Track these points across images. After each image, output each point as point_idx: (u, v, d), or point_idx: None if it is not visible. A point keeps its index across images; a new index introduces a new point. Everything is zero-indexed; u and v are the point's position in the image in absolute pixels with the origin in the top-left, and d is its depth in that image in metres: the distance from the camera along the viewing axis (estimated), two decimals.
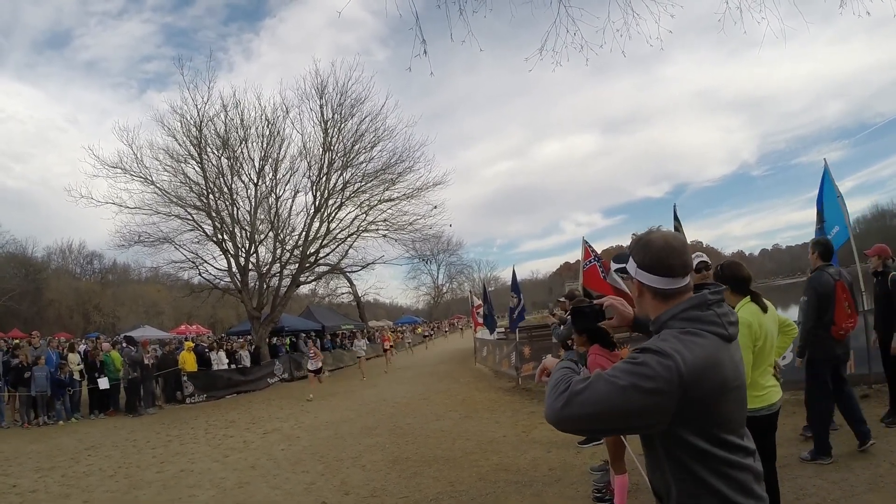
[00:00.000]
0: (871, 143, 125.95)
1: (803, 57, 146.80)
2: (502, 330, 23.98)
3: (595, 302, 2.29)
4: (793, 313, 10.69)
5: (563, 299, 11.89)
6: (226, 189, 23.52)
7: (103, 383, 14.86)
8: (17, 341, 18.01)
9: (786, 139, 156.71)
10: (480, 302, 24.05)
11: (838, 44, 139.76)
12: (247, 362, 20.43)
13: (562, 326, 8.64)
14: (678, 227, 9.78)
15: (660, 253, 1.78)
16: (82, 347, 18.87)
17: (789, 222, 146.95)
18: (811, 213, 8.68)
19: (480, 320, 22.91)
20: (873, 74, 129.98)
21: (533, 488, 5.96)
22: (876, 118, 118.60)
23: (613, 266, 2.47)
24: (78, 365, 15.03)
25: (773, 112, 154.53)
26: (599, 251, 12.93)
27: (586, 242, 13.00)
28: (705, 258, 5.62)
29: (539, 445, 7.79)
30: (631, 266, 1.87)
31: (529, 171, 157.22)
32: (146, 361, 16.00)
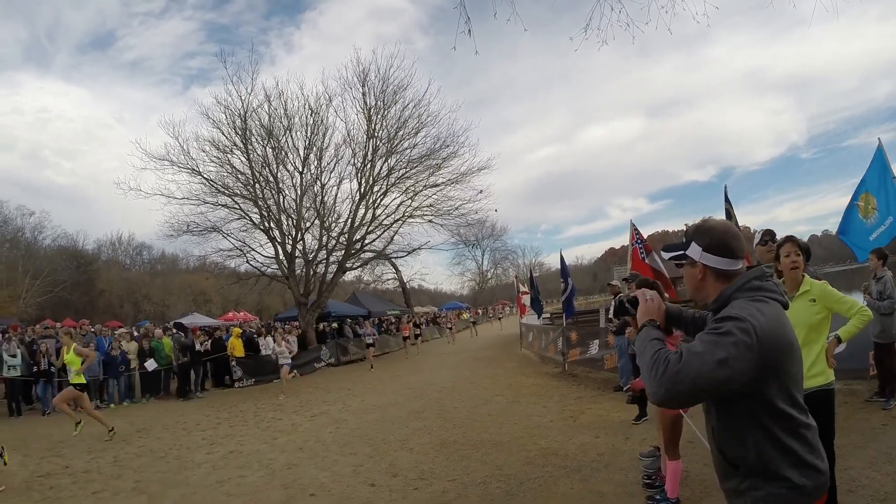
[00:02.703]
0: None
1: (852, 34, 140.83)
2: (548, 315, 23.84)
3: (635, 293, 2.36)
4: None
5: (614, 282, 11.72)
6: (271, 178, 23.76)
7: (150, 365, 15.29)
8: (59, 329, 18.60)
9: (835, 120, 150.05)
10: (526, 288, 23.95)
11: (888, 20, 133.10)
12: (294, 347, 20.74)
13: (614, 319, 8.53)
14: (730, 210, 9.45)
15: (724, 237, 2.01)
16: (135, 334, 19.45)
17: (840, 207, 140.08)
18: None
19: (526, 306, 22.82)
20: None
21: (581, 473, 5.84)
22: None
23: (666, 255, 2.40)
24: (134, 354, 15.50)
25: (822, 92, 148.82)
26: (646, 235, 12.71)
27: (633, 225, 12.78)
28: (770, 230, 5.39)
29: (587, 430, 7.66)
30: (695, 250, 2.05)
31: (573, 155, 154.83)
32: (198, 347, 16.40)
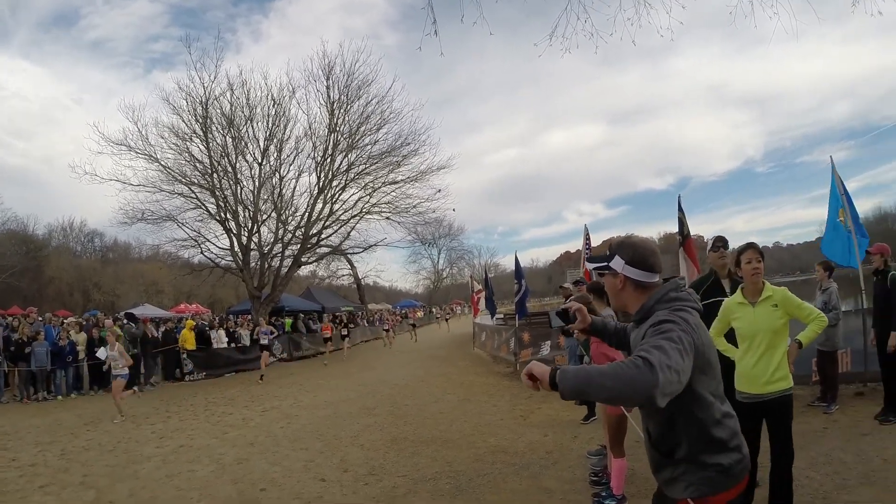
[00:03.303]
0: (877, 146, 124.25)
1: (813, 56, 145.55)
2: (501, 316, 24.09)
3: (565, 306, 2.70)
4: None
5: (567, 286, 11.95)
6: (230, 168, 23.52)
7: (102, 353, 14.89)
8: (13, 318, 18.07)
9: (792, 137, 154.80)
10: (481, 287, 24.14)
11: (849, 44, 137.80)
12: (246, 341, 20.51)
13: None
14: (682, 219, 9.71)
15: (644, 253, 2.23)
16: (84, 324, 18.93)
17: (792, 220, 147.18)
18: (814, 212, 8.83)
19: (480, 306, 23.02)
20: (883, 76, 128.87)
21: (530, 470, 6.00)
22: (884, 121, 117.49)
23: (590, 265, 2.53)
24: (83, 345, 15.09)
25: (781, 110, 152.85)
26: (601, 241, 13.03)
27: (587, 230, 13.06)
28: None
29: (536, 429, 7.84)
30: (618, 263, 2.26)
31: (534, 159, 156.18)
32: (150, 337, 16.07)
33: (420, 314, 50.05)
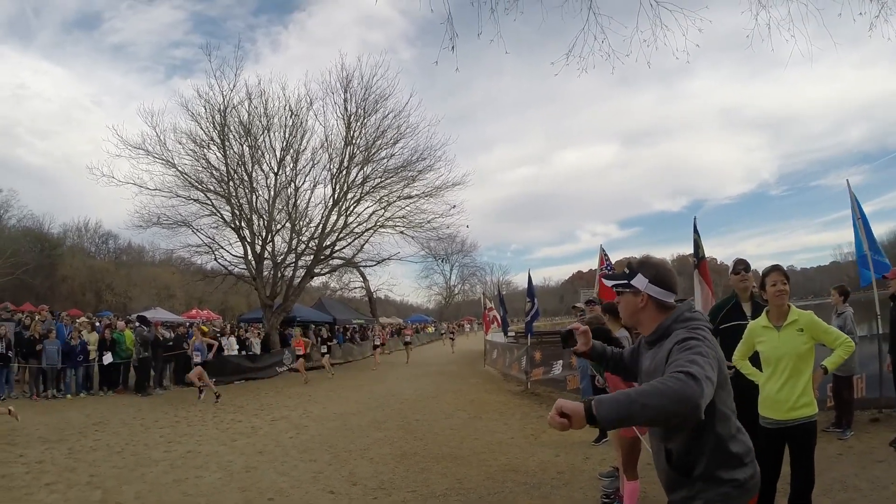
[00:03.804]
0: (891, 169, 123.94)
1: (829, 79, 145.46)
2: (513, 333, 24.03)
3: (571, 327, 2.70)
4: None
5: (579, 305, 11.88)
6: (246, 176, 23.57)
7: (107, 358, 14.99)
8: (25, 314, 18.23)
9: (806, 160, 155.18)
10: (492, 305, 24.09)
11: (865, 68, 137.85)
12: (257, 349, 20.52)
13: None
14: (697, 241, 9.65)
15: (666, 272, 2.29)
16: (96, 324, 19.05)
17: (805, 244, 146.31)
18: (827, 236, 8.83)
19: (492, 322, 22.97)
20: None
21: (541, 490, 5.91)
22: None
23: (608, 283, 2.49)
24: (94, 345, 15.17)
25: (795, 133, 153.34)
26: (614, 261, 12.91)
27: (603, 250, 12.99)
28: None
29: (547, 449, 7.75)
30: (641, 281, 2.28)
31: (548, 178, 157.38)
32: (160, 339, 16.15)
33: (414, 330, 42.30)
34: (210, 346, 15.34)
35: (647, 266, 2.31)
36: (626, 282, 2.34)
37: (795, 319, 3.84)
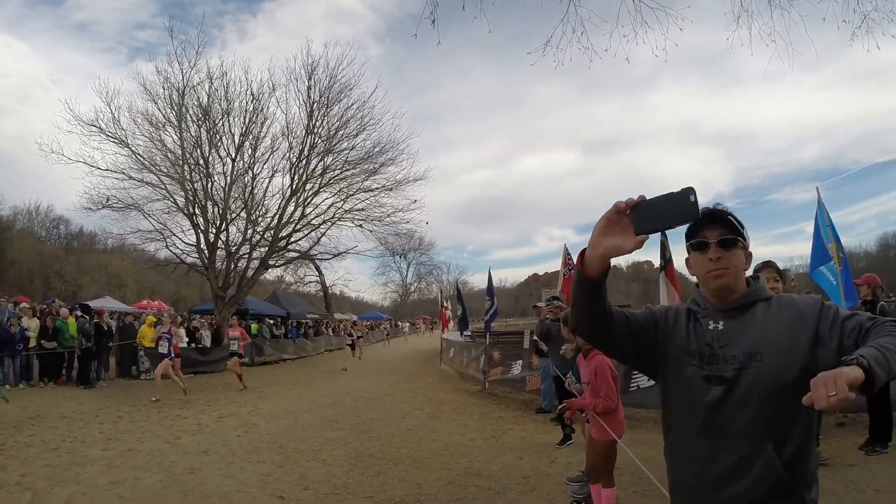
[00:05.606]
0: (842, 188, 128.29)
1: (788, 98, 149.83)
2: (469, 333, 23.81)
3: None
4: None
5: (539, 304, 11.70)
6: (202, 161, 22.72)
7: (49, 345, 14.12)
8: None
9: (761, 175, 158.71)
10: (447, 305, 23.91)
11: (824, 90, 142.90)
12: (207, 342, 19.79)
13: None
14: (665, 244, 9.68)
15: None
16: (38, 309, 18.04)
17: (758, 256, 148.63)
18: (778, 248, 8.58)
19: (450, 320, 22.76)
20: (854, 123, 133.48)
21: (506, 496, 5.63)
22: (851, 164, 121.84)
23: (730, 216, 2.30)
24: (35, 332, 14.23)
25: (752, 149, 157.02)
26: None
27: (567, 250, 12.85)
28: None
29: (510, 451, 7.50)
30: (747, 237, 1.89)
31: (507, 181, 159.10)
32: (104, 329, 15.32)
33: (365, 328, 39.53)
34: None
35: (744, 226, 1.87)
36: (742, 234, 1.85)
37: None
